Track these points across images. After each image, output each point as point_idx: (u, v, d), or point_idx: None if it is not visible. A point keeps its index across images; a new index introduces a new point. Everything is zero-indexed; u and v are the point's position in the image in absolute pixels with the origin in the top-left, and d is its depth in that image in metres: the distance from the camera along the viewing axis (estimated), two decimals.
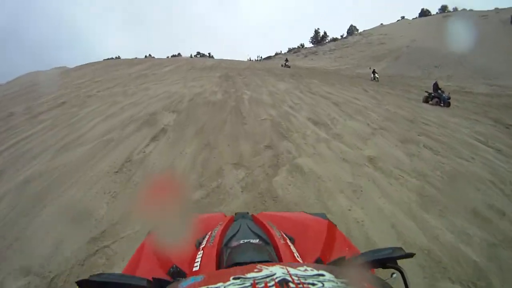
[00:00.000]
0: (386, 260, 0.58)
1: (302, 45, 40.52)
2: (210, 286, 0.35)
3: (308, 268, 0.38)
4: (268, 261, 0.61)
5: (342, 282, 0.35)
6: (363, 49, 30.21)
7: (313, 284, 0.33)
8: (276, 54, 38.05)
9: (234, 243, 0.76)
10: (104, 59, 37.24)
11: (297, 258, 0.70)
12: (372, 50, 29.69)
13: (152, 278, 0.58)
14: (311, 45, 40.24)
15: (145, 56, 42.72)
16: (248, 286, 0.33)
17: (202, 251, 0.73)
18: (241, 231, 0.86)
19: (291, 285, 0.33)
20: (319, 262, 0.75)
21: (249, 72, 13.32)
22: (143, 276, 0.59)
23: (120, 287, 0.52)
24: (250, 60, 39.89)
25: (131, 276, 0.56)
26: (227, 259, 0.67)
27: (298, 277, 0.35)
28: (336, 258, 0.68)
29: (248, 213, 1.08)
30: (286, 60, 22.67)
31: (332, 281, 0.35)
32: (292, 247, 0.76)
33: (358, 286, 0.36)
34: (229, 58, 25.60)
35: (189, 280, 0.40)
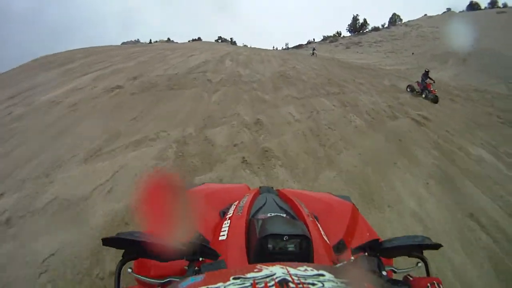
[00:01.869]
0: (414, 248, 0.57)
1: (339, 34, 35.74)
2: (210, 286, 0.34)
3: (308, 268, 0.38)
4: (301, 235, 0.60)
5: (342, 282, 0.35)
6: (417, 44, 25.78)
7: (313, 284, 0.33)
8: (309, 42, 33.17)
9: (261, 216, 0.76)
10: (122, 43, 34.96)
11: (323, 236, 0.72)
12: (429, 46, 25.25)
13: (189, 241, 0.53)
14: (348, 34, 35.77)
15: (167, 39, 39.54)
16: (248, 286, 0.33)
17: (229, 220, 0.74)
18: (268, 205, 0.85)
19: (291, 285, 0.32)
20: (341, 244, 0.75)
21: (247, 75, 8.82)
22: (172, 235, 0.57)
23: (146, 246, 0.48)
24: (275, 49, 35.79)
25: (162, 237, 0.50)
26: (260, 230, 0.63)
27: (298, 277, 0.35)
28: (372, 239, 0.60)
29: (272, 187, 1.08)
30: (314, 49, 21.25)
31: (332, 281, 0.35)
32: (318, 225, 0.77)
33: (358, 286, 0.36)
34: (254, 46, 22.31)
35: (189, 280, 0.39)
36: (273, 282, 0.33)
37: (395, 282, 0.53)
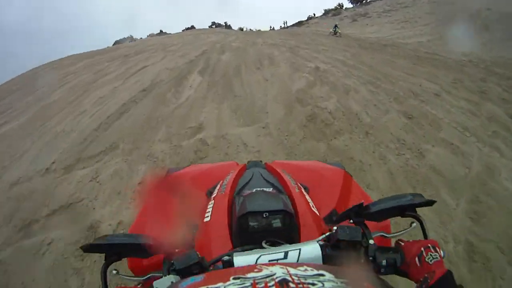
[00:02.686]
0: (405, 207, 0.55)
1: (341, 5, 32.51)
2: (210, 286, 0.34)
3: (308, 268, 0.38)
4: (282, 210, 0.59)
5: (342, 282, 0.35)
6: (430, 10, 23.16)
7: (313, 284, 0.33)
8: (310, 18, 29.95)
9: (246, 192, 0.73)
10: (115, 40, 33.34)
11: (312, 208, 0.70)
12: (445, 13, 22.93)
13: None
14: (350, 5, 32.67)
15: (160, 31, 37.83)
16: (248, 286, 0.33)
17: (213, 200, 0.73)
18: (254, 180, 0.82)
19: (291, 285, 0.32)
20: (334, 213, 0.74)
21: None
22: (153, 231, 0.62)
23: (125, 247, 0.51)
24: (272, 29, 33.07)
25: (137, 235, 0.54)
26: (239, 208, 0.63)
27: (298, 277, 0.35)
28: (355, 205, 0.56)
29: (261, 161, 1.04)
30: (336, 27, 15.81)
31: (332, 281, 0.35)
32: (307, 196, 0.75)
33: (358, 286, 0.36)
34: (250, 28, 19.69)
35: (189, 280, 0.39)
36: (273, 282, 0.33)
37: (385, 250, 0.51)
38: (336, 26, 16.22)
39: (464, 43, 14.34)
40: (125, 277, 0.55)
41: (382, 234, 0.59)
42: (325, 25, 24.61)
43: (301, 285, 0.32)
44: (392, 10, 24.63)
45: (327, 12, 29.62)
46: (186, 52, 8.92)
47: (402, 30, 19.22)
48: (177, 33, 33.30)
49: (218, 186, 0.80)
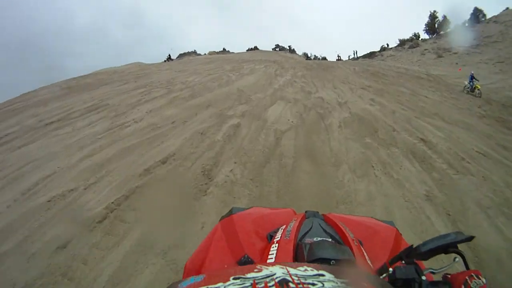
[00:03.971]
0: (449, 245, 0.58)
1: (417, 36, 32.29)
2: (210, 286, 0.34)
3: (308, 268, 0.38)
4: (347, 260, 0.63)
5: (342, 282, 0.35)
6: None
7: (313, 284, 0.33)
8: (383, 49, 30.06)
9: (308, 240, 0.77)
10: (180, 54, 36.05)
11: (367, 261, 0.74)
12: None
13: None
14: (426, 36, 32.13)
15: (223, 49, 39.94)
16: (248, 286, 0.33)
17: (277, 244, 0.75)
18: (314, 229, 0.86)
19: (291, 285, 0.33)
20: (385, 267, 0.66)
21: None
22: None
23: None
24: (339, 59, 31.80)
25: None
26: (308, 254, 0.66)
27: (298, 277, 0.35)
28: (406, 247, 0.61)
29: (318, 212, 1.07)
30: (472, 79, 11.00)
31: (332, 281, 0.35)
32: (363, 249, 0.79)
33: (358, 286, 0.36)
34: (315, 54, 19.00)
35: (189, 280, 0.39)
36: (273, 282, 0.33)
37: (436, 283, 0.55)
38: (472, 77, 11.15)
39: None
40: None
41: (431, 270, 0.63)
42: (405, 59, 24.43)
43: (301, 285, 0.33)
44: (480, 45, 23.81)
45: (402, 43, 29.52)
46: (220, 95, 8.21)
47: (503, 75, 15.84)
48: (237, 52, 34.22)
49: (281, 231, 0.84)
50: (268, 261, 0.69)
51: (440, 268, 0.62)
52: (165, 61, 30.71)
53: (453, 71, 17.98)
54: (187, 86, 9.66)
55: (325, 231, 0.86)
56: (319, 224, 0.90)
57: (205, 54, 38.86)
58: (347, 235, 0.80)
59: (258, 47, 42.26)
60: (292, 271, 0.37)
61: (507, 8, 33.57)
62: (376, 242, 0.90)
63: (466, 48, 23.42)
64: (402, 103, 8.08)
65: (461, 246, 0.59)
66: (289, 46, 42.49)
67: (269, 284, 0.33)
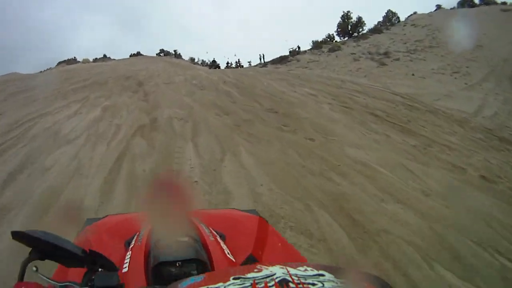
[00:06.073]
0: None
1: (331, 37, 24.98)
2: (210, 286, 0.34)
3: (308, 268, 0.38)
4: (194, 259, 0.63)
5: (342, 282, 0.34)
6: (469, 56, 16.79)
7: (313, 284, 0.33)
8: (296, 53, 20.61)
9: (162, 242, 0.75)
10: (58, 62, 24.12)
11: (227, 255, 0.73)
12: (484, 59, 16.60)
13: (89, 250, 0.56)
14: (337, 37, 25.32)
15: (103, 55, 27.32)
16: (248, 286, 0.33)
17: (130, 251, 0.74)
18: None
19: (291, 285, 0.32)
20: (251, 258, 0.74)
21: None
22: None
23: (53, 248, 0.51)
24: (239, 65, 22.81)
25: (67, 241, 0.54)
26: (153, 260, 0.65)
27: (298, 277, 0.35)
28: None
29: None
30: None
31: (332, 281, 0.34)
32: (222, 244, 0.78)
33: (358, 286, 0.35)
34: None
35: (189, 280, 0.39)
36: (273, 282, 0.33)
37: None
38: None
39: None
40: (42, 277, 0.53)
41: None
42: (337, 67, 15.86)
43: (301, 285, 0.32)
44: (417, 51, 17.30)
45: (317, 45, 21.27)
46: None
47: (469, 91, 11.17)
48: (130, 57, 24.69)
49: (135, 236, 0.80)
50: (123, 270, 0.66)
51: None
52: None
53: (420, 86, 12.02)
54: None
55: None
56: None
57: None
58: (202, 231, 0.79)
59: (141, 52, 32.03)
60: (292, 271, 0.36)
61: (415, 13, 30.96)
62: (239, 234, 0.89)
63: (404, 54, 16.51)
64: None
65: None
66: (174, 51, 32.55)
67: (269, 284, 0.32)
